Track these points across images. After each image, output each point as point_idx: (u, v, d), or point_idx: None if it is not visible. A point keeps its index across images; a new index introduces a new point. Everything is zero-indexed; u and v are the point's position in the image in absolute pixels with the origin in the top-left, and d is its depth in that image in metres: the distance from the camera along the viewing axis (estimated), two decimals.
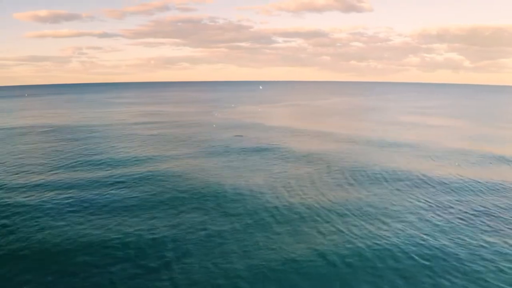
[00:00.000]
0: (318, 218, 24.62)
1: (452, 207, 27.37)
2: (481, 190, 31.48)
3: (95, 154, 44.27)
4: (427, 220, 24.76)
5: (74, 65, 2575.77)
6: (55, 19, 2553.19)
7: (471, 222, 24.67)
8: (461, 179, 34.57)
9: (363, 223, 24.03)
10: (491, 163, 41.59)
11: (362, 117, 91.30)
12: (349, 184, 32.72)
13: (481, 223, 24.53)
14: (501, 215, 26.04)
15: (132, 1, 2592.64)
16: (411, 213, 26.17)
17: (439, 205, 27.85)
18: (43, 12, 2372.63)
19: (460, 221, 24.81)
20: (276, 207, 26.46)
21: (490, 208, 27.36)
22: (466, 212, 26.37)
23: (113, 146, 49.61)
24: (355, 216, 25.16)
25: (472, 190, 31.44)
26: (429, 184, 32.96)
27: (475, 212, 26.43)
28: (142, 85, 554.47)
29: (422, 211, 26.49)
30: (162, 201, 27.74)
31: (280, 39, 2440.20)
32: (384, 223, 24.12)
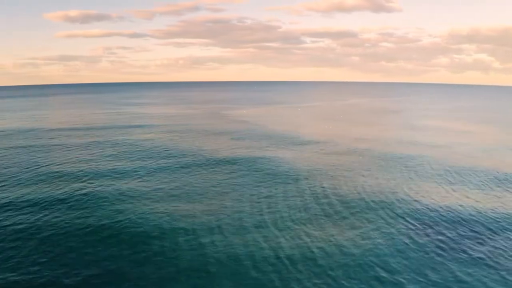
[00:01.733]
0: None
1: None
2: None
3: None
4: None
5: (104, 64, 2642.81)
6: (86, 19, 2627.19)
7: None
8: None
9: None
10: None
11: (368, 119, 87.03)
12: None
13: None
14: None
15: (161, 2, 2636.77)
16: None
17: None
18: (73, 13, 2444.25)
19: None
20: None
21: None
22: None
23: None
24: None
25: None
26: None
27: None
28: (171, 85, 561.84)
29: None
30: None
31: (308, 40, 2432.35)
32: None
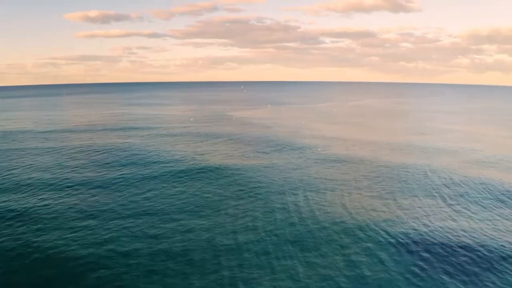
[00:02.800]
0: None
1: None
2: None
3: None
4: None
5: (124, 64, 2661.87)
6: (105, 19, 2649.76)
7: None
8: None
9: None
10: None
11: (376, 121, 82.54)
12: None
13: None
14: None
15: (180, 2, 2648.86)
16: None
17: None
18: (93, 13, 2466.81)
19: None
20: None
21: None
22: None
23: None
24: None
25: None
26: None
27: None
28: (191, 85, 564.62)
29: None
30: None
31: (327, 40, 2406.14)
32: None
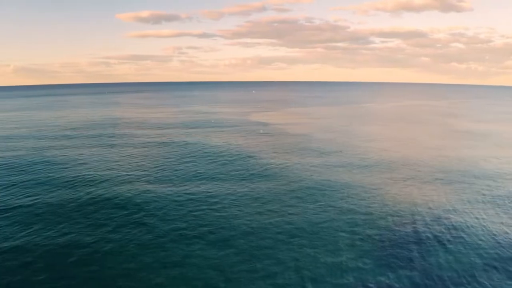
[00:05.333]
0: None
1: None
2: None
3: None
4: None
5: (174, 64, 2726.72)
6: (156, 19, 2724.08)
7: None
8: None
9: None
10: None
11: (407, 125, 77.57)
12: None
13: None
14: None
15: (229, 2, 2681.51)
16: None
17: None
18: (144, 13, 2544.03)
19: None
20: None
21: None
22: None
23: None
24: None
25: None
26: None
27: None
28: (239, 84, 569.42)
29: None
30: None
31: (377, 40, 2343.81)
32: None
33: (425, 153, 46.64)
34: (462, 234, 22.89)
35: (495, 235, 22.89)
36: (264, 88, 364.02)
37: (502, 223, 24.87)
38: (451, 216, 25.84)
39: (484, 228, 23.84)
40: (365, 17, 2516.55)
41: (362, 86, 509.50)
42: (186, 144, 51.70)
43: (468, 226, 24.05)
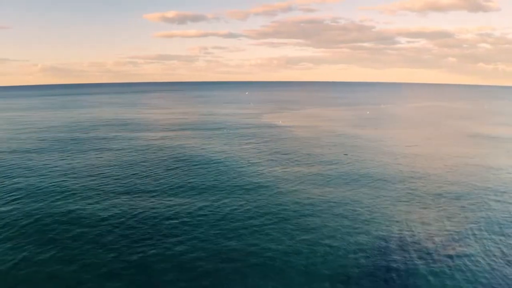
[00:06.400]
0: None
1: None
2: None
3: None
4: None
5: (200, 64, 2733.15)
6: (182, 20, 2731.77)
7: None
8: None
9: None
10: None
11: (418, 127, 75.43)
12: None
13: None
14: None
15: (255, 2, 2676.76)
16: None
17: None
18: (171, 13, 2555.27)
19: None
20: None
21: None
22: None
23: None
24: None
25: None
26: None
27: None
28: (264, 84, 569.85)
29: None
30: None
31: (403, 40, 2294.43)
32: None
33: (430, 163, 44.20)
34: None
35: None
36: (287, 89, 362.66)
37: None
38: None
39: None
40: (391, 17, 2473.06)
41: (387, 86, 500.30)
42: (176, 148, 51.11)
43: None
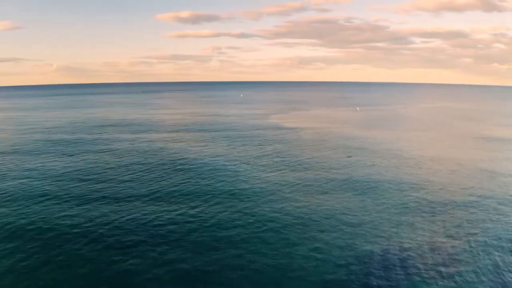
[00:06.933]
0: None
1: None
2: None
3: None
4: None
5: (213, 64, 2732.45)
6: (196, 19, 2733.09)
7: None
8: None
9: None
10: None
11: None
12: None
13: None
14: None
15: (269, 2, 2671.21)
16: None
17: None
18: (184, 13, 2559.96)
19: None
20: None
21: None
22: None
23: None
24: None
25: None
26: None
27: None
28: (277, 84, 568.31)
29: None
30: None
31: (417, 40, 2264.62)
32: None
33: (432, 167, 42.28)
34: None
35: None
36: (300, 89, 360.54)
37: None
38: None
39: None
40: (405, 17, 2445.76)
41: (400, 87, 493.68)
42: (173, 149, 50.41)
43: None
